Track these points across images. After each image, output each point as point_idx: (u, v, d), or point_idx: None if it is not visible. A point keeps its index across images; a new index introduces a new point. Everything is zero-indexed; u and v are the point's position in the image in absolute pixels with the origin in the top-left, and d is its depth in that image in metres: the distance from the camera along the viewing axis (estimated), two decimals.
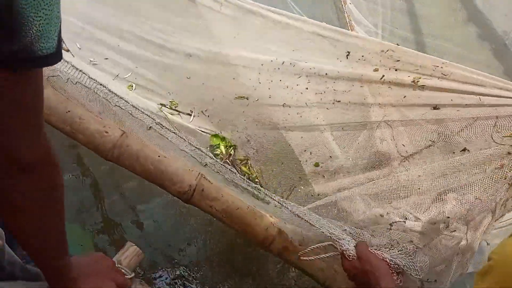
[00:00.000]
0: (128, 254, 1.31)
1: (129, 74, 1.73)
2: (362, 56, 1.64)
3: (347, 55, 1.66)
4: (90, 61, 1.67)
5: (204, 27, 1.69)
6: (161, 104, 1.65)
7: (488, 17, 3.06)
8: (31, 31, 0.58)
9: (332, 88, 1.64)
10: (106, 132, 1.36)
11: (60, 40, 0.65)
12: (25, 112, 0.65)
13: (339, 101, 1.66)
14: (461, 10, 2.99)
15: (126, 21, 1.79)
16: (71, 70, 1.30)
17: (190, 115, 1.66)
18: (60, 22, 0.64)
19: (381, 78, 1.60)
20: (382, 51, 1.60)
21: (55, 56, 0.64)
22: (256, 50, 1.68)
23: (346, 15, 2.66)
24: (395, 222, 1.32)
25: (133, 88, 1.71)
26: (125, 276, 1.12)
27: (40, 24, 0.59)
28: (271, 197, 1.24)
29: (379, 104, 1.61)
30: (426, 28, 2.87)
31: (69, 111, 1.33)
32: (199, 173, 1.35)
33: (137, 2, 1.81)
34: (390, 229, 1.29)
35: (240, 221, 1.32)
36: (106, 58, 1.75)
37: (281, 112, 1.68)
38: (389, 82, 1.60)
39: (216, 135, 1.85)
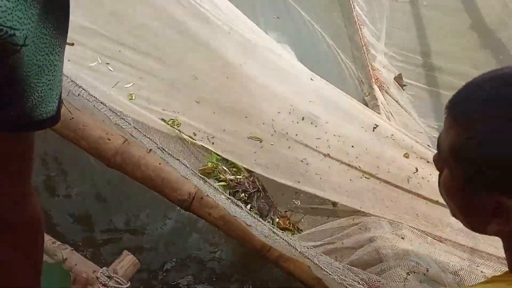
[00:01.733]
0: (124, 264, 1.33)
1: (131, 84, 1.75)
2: (392, 134, 1.62)
3: (375, 127, 1.66)
4: (90, 66, 1.69)
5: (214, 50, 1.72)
6: (163, 120, 1.64)
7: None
8: (32, 97, 0.56)
9: (357, 164, 1.57)
10: (109, 139, 1.39)
11: (60, 102, 0.62)
12: (12, 170, 0.62)
13: (367, 178, 1.57)
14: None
15: (130, 31, 1.83)
16: (72, 85, 1.34)
17: (193, 138, 1.63)
18: (62, 85, 0.61)
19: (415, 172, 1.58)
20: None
21: (54, 119, 0.61)
22: (271, 92, 1.68)
23: (357, 22, 2.66)
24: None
25: (133, 98, 1.72)
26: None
27: (42, 90, 0.56)
28: (277, 235, 1.23)
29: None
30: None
31: (72, 118, 1.37)
32: (198, 184, 1.36)
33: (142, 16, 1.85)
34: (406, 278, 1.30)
35: (237, 228, 1.34)
36: (108, 63, 1.77)
37: (299, 166, 1.59)
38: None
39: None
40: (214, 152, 1.61)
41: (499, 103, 0.57)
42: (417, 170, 1.60)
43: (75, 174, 2.17)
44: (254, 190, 1.57)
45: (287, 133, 1.62)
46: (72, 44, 1.66)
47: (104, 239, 2.01)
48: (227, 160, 1.62)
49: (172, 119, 1.72)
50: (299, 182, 1.56)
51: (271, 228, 1.25)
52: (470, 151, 0.59)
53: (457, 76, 2.60)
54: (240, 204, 1.33)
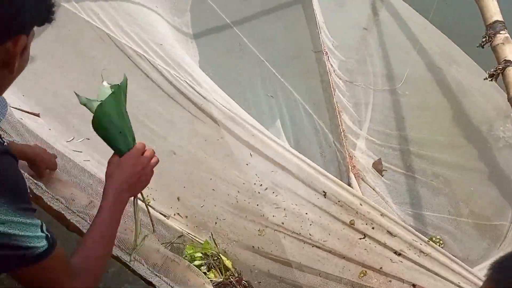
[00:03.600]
0: None
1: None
2: (339, 201, 1.72)
3: (324, 194, 1.75)
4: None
5: (189, 125, 1.82)
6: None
7: None
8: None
9: (308, 231, 1.67)
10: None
11: (49, 231, 0.81)
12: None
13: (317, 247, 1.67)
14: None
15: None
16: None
17: (165, 216, 1.66)
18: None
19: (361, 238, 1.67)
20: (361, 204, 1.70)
21: (52, 245, 0.81)
22: (238, 163, 1.78)
23: (334, 101, 2.79)
24: None
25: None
26: None
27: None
28: None
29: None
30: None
31: None
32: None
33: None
34: None
35: None
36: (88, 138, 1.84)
37: (257, 239, 1.69)
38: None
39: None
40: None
41: None
42: (365, 236, 1.63)
43: None
44: None
45: (249, 203, 1.68)
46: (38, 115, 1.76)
47: None
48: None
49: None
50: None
51: None
52: None
53: (436, 164, 2.70)
54: None
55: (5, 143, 0.82)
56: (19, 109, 1.77)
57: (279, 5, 3.28)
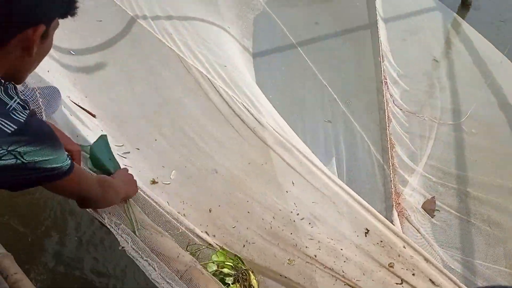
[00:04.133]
0: None
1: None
2: (381, 241, 1.69)
3: (366, 232, 1.74)
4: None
5: (237, 146, 1.90)
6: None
7: None
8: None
9: (341, 268, 1.65)
10: None
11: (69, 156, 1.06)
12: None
13: (349, 285, 1.63)
14: None
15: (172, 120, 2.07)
16: None
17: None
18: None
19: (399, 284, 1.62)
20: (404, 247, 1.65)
21: (72, 164, 1.06)
22: (278, 189, 1.83)
23: (388, 132, 2.72)
24: None
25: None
26: None
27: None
28: None
29: None
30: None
31: None
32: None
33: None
34: None
35: None
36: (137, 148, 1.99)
37: (286, 268, 1.70)
38: None
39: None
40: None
41: None
42: (402, 282, 1.58)
43: None
44: None
45: (282, 230, 1.71)
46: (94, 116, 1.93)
47: None
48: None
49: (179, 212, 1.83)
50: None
51: None
52: None
53: (498, 211, 2.52)
54: None
55: (28, 108, 0.95)
56: (77, 105, 1.94)
57: (347, 29, 3.28)
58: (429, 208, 2.36)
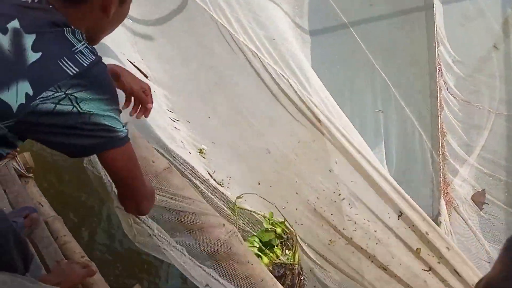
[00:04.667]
0: None
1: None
2: (413, 225, 1.68)
3: (399, 215, 1.74)
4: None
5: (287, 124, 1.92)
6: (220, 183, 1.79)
7: None
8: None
9: (373, 250, 1.69)
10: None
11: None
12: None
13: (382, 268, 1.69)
14: None
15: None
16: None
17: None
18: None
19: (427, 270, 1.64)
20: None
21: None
22: (324, 168, 1.84)
23: (439, 120, 2.63)
24: None
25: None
26: None
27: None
28: None
29: None
30: None
31: None
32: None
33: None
34: None
35: None
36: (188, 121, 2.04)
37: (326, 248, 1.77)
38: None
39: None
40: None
41: None
42: (430, 269, 1.57)
43: None
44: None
45: (324, 211, 1.76)
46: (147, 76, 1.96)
47: None
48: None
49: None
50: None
51: None
52: None
53: None
54: None
55: (96, 54, 0.94)
56: (132, 64, 1.95)
57: (403, 10, 3.16)
58: (479, 200, 2.29)
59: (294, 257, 1.70)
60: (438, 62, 2.79)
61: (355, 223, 1.73)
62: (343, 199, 1.78)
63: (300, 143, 1.90)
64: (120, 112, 0.97)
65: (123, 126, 0.96)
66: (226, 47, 2.23)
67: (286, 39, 2.46)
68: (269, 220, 1.77)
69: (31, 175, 2.17)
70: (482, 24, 2.85)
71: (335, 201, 1.77)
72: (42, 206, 2.05)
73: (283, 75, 2.10)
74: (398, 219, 1.72)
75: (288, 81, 2.09)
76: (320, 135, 1.91)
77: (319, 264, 1.76)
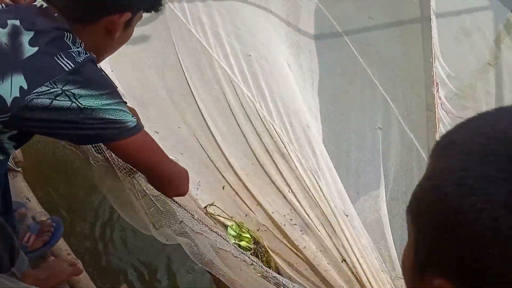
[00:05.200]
0: None
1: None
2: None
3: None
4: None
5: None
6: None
7: None
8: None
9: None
10: None
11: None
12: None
13: None
14: None
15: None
16: None
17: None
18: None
19: None
20: None
21: (139, 125, 1.00)
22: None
23: (437, 136, 2.50)
24: None
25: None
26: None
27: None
28: None
29: None
30: None
31: None
32: None
33: None
34: None
35: None
36: None
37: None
38: None
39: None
40: None
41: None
42: None
43: None
44: None
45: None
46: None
47: None
48: None
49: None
50: None
51: None
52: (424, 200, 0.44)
53: None
54: None
55: (88, 54, 0.95)
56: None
57: (399, 21, 3.03)
58: None
59: (270, 266, 1.68)
60: (434, 77, 2.66)
61: (304, 247, 1.69)
62: (295, 224, 1.74)
63: (254, 165, 1.87)
64: (125, 103, 0.98)
65: (132, 117, 0.97)
66: (198, 60, 2.23)
67: (267, 52, 2.43)
68: (234, 230, 1.77)
69: (19, 169, 2.19)
70: (478, 39, 2.69)
71: (284, 225, 1.74)
72: (30, 201, 2.10)
73: (249, 96, 2.07)
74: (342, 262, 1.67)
75: (254, 104, 2.06)
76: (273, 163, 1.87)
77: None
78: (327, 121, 2.49)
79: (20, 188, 2.11)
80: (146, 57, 2.27)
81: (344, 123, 2.54)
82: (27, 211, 1.97)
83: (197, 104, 2.15)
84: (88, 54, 0.92)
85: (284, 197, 1.78)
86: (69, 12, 0.94)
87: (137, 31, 2.34)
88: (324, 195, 1.78)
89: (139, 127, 0.98)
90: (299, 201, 1.75)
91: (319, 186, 1.81)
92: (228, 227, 1.76)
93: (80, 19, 0.95)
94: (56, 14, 0.93)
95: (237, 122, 1.96)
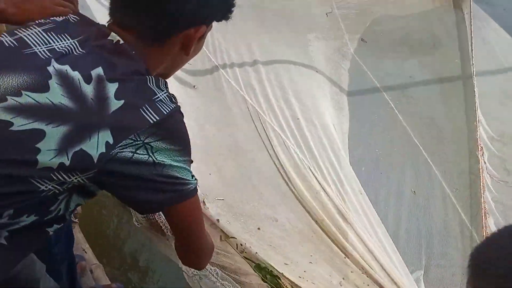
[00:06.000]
0: None
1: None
2: None
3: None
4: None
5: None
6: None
7: None
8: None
9: None
10: None
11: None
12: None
13: None
14: None
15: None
16: None
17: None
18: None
19: None
20: None
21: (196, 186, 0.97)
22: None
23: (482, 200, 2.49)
24: None
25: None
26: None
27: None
28: None
29: None
30: None
31: None
32: None
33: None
34: None
35: None
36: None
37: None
38: None
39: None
40: None
41: None
42: None
43: None
44: None
45: None
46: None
47: None
48: None
49: None
50: None
51: None
52: None
53: None
54: None
55: (176, 103, 0.92)
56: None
57: (440, 78, 3.08)
58: None
59: None
60: (479, 141, 2.67)
61: None
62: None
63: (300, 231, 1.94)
64: (192, 162, 0.96)
65: (193, 177, 0.94)
66: (248, 119, 2.36)
67: (311, 118, 2.51)
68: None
69: (76, 220, 2.22)
70: None
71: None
72: (86, 253, 2.15)
73: (303, 160, 2.17)
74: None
75: (309, 168, 2.15)
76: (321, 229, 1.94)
77: None
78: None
79: (77, 239, 2.17)
80: (190, 109, 2.35)
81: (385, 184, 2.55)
82: (86, 264, 2.03)
83: (238, 160, 2.24)
84: (174, 105, 0.90)
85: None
86: (147, 33, 0.93)
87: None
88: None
89: (197, 189, 0.95)
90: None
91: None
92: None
93: (157, 38, 0.94)
94: (133, 52, 0.91)
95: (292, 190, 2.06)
